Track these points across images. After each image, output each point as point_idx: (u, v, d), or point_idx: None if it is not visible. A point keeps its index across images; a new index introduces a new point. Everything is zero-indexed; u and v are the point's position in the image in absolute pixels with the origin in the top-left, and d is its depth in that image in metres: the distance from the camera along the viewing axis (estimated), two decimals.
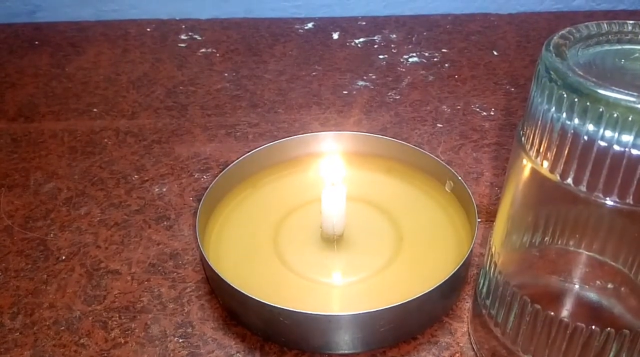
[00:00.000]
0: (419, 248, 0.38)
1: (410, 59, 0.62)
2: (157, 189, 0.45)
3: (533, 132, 0.25)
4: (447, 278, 0.33)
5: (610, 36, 0.26)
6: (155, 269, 0.39)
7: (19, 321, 0.36)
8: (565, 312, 0.29)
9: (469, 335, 0.34)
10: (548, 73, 0.24)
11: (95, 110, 0.55)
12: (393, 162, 0.44)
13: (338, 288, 0.36)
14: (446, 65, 0.60)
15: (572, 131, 0.23)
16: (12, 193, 0.45)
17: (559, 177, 0.24)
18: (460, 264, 0.34)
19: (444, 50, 0.63)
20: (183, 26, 0.68)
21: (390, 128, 0.51)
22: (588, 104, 0.22)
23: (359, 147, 0.44)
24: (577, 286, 0.30)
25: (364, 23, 0.69)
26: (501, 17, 0.69)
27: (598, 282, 0.30)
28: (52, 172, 0.47)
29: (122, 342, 0.34)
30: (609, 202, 0.23)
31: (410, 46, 0.64)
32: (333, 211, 0.37)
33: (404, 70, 0.60)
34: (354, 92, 0.56)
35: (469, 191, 0.39)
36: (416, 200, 0.42)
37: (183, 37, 0.66)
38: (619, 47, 0.26)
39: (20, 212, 0.44)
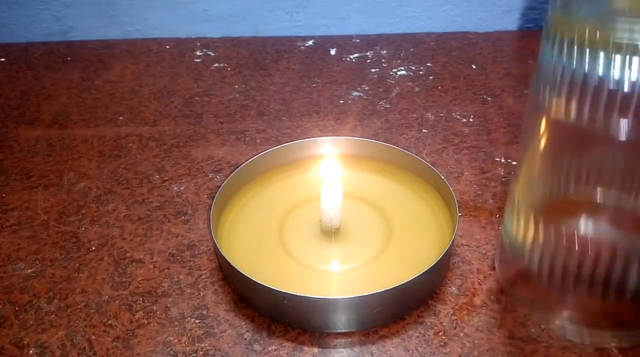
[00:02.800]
0: (407, 239, 0.38)
1: (398, 72, 0.61)
2: (175, 188, 0.45)
3: (546, 84, 0.24)
4: (432, 265, 0.33)
5: None
6: (175, 258, 0.39)
7: (54, 305, 0.36)
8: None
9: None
10: (555, 26, 0.23)
11: (121, 118, 0.55)
12: (384, 164, 0.44)
13: (335, 275, 0.36)
14: (430, 77, 0.60)
15: (583, 76, 0.22)
16: (48, 192, 0.45)
17: (575, 120, 0.23)
18: (444, 253, 0.34)
19: (428, 64, 0.63)
20: (198, 44, 0.68)
21: (381, 133, 0.51)
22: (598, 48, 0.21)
23: (354, 150, 0.44)
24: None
25: (358, 41, 0.69)
26: (479, 35, 0.69)
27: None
28: (83, 173, 0.47)
29: (146, 322, 0.34)
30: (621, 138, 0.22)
31: (398, 61, 0.64)
32: (331, 206, 0.37)
33: (393, 82, 0.60)
34: (349, 102, 0.56)
35: (451, 188, 0.39)
36: (404, 197, 0.42)
37: (198, 53, 0.66)
38: None
39: (55, 209, 0.44)
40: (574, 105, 0.23)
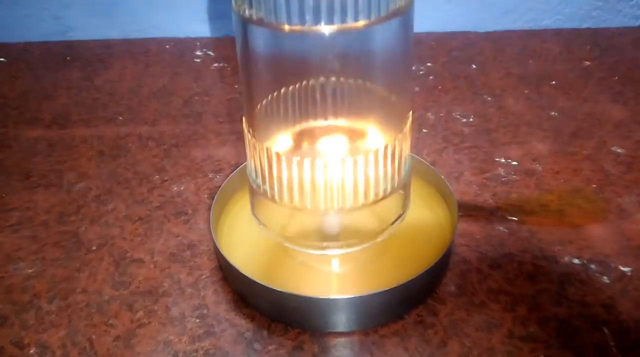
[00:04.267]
0: (407, 239, 0.38)
1: None
2: (175, 188, 0.45)
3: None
4: (431, 265, 0.33)
5: None
6: (175, 258, 0.39)
7: (55, 305, 0.36)
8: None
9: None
10: None
11: (120, 118, 0.55)
12: None
13: (335, 275, 0.37)
14: (430, 77, 0.60)
15: None
16: (48, 192, 0.46)
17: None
18: (444, 252, 0.34)
19: (428, 64, 0.63)
20: (198, 44, 0.68)
21: None
22: None
23: None
24: None
25: None
26: (479, 34, 0.69)
27: None
28: (83, 173, 0.48)
29: (146, 322, 0.35)
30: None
31: None
32: None
33: None
34: None
35: (451, 188, 0.39)
36: None
37: (198, 53, 0.66)
38: None
39: (55, 209, 0.44)
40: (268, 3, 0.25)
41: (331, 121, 0.30)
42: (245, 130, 0.31)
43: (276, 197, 0.31)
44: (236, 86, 0.59)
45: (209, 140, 0.51)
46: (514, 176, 0.45)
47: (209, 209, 0.43)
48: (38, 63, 0.65)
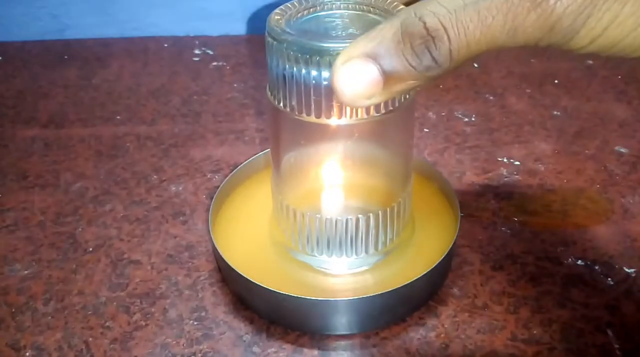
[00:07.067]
0: (408, 240, 0.38)
1: None
2: (174, 188, 0.45)
3: (276, 88, 0.30)
4: (433, 267, 0.33)
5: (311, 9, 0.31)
6: (173, 260, 0.39)
7: (51, 306, 0.36)
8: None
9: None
10: (275, 40, 0.28)
11: (118, 117, 0.55)
12: None
13: (336, 276, 0.36)
14: None
15: (302, 77, 0.28)
16: (44, 192, 0.45)
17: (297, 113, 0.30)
18: (445, 253, 0.34)
19: None
20: (197, 42, 0.68)
21: None
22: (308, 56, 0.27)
23: None
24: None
25: None
26: None
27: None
28: (80, 173, 0.47)
29: (143, 324, 0.34)
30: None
31: None
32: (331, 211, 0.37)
33: None
34: None
35: (452, 188, 0.39)
36: None
37: (197, 52, 0.66)
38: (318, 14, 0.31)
39: (51, 209, 0.44)
40: (300, 102, 0.29)
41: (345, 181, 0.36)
42: (273, 188, 0.36)
43: (293, 244, 0.36)
44: (235, 85, 0.59)
45: (207, 140, 0.51)
46: (517, 176, 0.45)
47: (208, 209, 0.42)
48: (35, 62, 0.65)
